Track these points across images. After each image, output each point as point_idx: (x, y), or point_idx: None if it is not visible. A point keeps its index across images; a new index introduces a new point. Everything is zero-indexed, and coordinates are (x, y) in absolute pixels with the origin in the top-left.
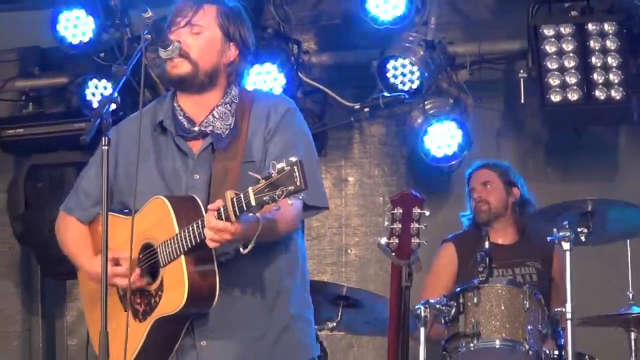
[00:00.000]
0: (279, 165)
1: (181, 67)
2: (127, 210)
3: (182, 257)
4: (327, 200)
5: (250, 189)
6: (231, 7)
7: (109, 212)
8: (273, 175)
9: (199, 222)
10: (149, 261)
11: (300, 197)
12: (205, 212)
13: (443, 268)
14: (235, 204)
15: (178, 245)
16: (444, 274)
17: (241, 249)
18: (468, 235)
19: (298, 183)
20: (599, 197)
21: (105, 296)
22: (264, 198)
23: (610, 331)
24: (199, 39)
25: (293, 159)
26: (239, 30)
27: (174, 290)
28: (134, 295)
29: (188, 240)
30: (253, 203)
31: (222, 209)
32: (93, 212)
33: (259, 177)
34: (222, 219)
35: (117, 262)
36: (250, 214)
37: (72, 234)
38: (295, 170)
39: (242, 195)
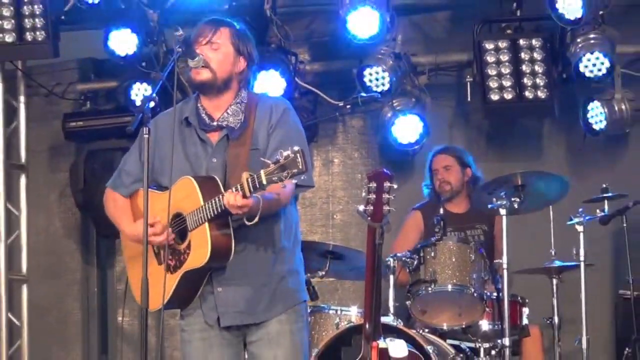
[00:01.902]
0: (285, 153)
1: (203, 75)
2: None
3: (206, 223)
4: (313, 180)
5: (262, 171)
6: (240, 29)
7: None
8: (280, 160)
9: (220, 197)
10: (179, 226)
11: (302, 178)
12: (224, 189)
13: (410, 230)
14: (250, 183)
15: (203, 214)
16: (410, 235)
17: (246, 222)
18: (431, 205)
19: (300, 167)
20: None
21: (146, 252)
22: (273, 179)
23: (537, 278)
24: (217, 54)
25: (296, 148)
26: (247, 47)
27: (200, 249)
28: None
29: (211, 211)
30: (264, 182)
31: (239, 187)
32: (133, 188)
33: (269, 162)
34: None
35: (152, 226)
36: (254, 195)
37: (115, 205)
38: (298, 156)
39: (255, 176)
